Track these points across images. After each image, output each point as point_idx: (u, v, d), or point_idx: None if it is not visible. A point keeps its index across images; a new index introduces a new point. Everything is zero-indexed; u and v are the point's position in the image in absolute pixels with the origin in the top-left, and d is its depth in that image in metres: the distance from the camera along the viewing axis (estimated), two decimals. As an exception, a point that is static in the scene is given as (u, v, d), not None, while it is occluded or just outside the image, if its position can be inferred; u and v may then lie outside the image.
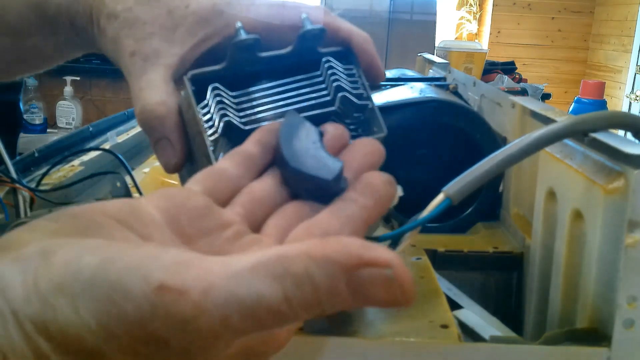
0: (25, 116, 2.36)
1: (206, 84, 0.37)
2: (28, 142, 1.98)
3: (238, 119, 0.37)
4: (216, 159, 0.36)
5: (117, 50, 0.41)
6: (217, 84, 0.38)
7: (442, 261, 0.62)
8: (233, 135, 0.37)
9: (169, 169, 0.40)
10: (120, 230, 0.24)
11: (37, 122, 2.45)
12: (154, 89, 0.39)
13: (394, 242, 0.38)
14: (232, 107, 0.38)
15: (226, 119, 0.36)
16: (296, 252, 0.20)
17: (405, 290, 0.20)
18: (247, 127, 0.37)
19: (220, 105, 0.37)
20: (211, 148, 0.36)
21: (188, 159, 0.40)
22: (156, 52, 0.40)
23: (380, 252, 0.20)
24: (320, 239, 0.21)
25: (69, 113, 2.55)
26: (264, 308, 0.20)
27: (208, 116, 0.37)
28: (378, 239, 0.39)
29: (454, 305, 0.55)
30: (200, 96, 0.37)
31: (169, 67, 0.40)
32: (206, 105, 0.37)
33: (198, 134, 0.37)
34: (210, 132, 0.36)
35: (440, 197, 0.38)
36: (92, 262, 0.21)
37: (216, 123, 0.36)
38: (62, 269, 0.21)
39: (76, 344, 0.20)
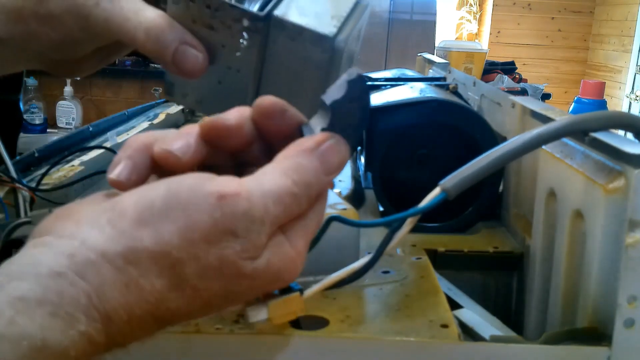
0: (25, 116, 2.36)
1: None
2: (28, 142, 1.98)
3: None
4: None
5: (76, 16, 0.39)
6: None
7: (442, 261, 0.62)
8: None
9: (198, 69, 0.40)
10: None
11: (37, 122, 2.45)
12: (141, 10, 0.39)
13: (393, 229, 0.39)
14: None
15: None
16: (286, 153, 0.30)
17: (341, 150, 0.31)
18: None
19: None
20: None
21: None
22: None
23: (321, 135, 0.31)
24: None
25: (69, 113, 2.55)
26: (283, 191, 0.28)
27: None
28: (379, 222, 0.40)
29: (454, 305, 0.55)
30: None
31: None
32: None
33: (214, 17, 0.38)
34: None
35: (437, 191, 0.38)
36: (160, 192, 0.27)
37: None
38: (133, 207, 0.27)
39: (161, 262, 0.26)
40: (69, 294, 0.24)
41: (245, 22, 0.39)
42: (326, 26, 0.39)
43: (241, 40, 0.39)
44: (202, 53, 0.40)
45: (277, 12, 0.39)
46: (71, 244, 0.26)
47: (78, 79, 2.53)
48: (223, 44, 0.40)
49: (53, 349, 0.23)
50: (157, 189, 0.27)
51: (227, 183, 0.28)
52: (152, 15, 0.39)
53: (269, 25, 0.39)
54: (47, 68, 0.45)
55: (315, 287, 0.40)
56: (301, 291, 0.39)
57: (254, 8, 0.40)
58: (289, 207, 0.29)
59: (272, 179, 0.29)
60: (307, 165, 0.30)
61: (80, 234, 0.26)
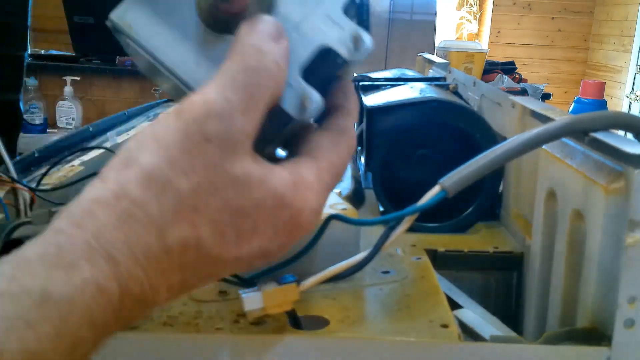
0: (25, 116, 2.35)
1: None
2: (28, 142, 1.98)
3: None
4: None
5: None
6: None
7: (442, 261, 0.62)
8: None
9: None
10: None
11: (37, 122, 2.45)
12: None
13: (392, 226, 0.39)
14: None
15: None
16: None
17: None
18: None
19: None
20: None
21: None
22: None
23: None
24: None
25: (69, 113, 2.54)
26: (238, 69, 0.28)
27: None
28: (379, 221, 0.40)
29: (454, 305, 0.55)
30: None
31: None
32: None
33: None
34: None
35: (436, 189, 0.39)
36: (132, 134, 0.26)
37: None
38: (117, 157, 0.27)
39: (150, 188, 0.26)
40: (68, 244, 0.24)
41: None
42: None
43: None
44: None
45: None
46: (67, 205, 0.26)
47: (78, 78, 2.53)
48: None
49: (56, 299, 0.23)
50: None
51: (184, 100, 0.27)
52: None
53: None
54: None
55: (312, 280, 0.40)
56: (297, 282, 0.40)
57: None
58: (251, 84, 0.27)
59: (226, 64, 0.28)
60: (251, 34, 0.28)
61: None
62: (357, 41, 0.34)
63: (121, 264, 0.24)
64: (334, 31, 0.34)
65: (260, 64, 0.28)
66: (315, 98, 0.31)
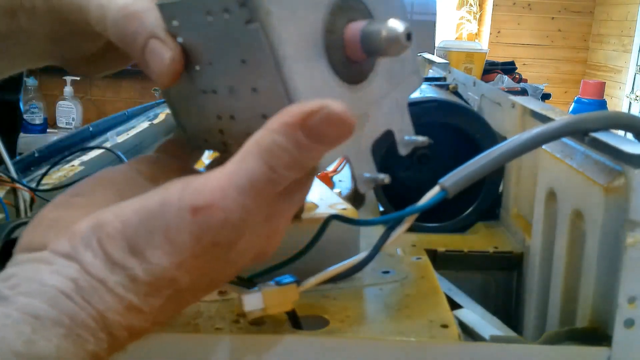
0: (25, 116, 2.35)
1: None
2: (28, 142, 1.99)
3: None
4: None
5: None
6: None
7: (442, 261, 0.62)
8: None
9: (168, 73, 0.32)
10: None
11: (37, 122, 2.45)
12: None
13: (391, 227, 0.39)
14: None
15: None
16: (260, 134, 0.27)
17: (344, 118, 0.26)
18: None
19: None
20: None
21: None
22: None
23: (313, 102, 0.26)
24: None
25: (69, 113, 2.55)
26: (261, 182, 0.26)
27: None
28: (378, 221, 0.40)
29: (454, 305, 0.55)
30: None
31: None
32: None
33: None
34: None
35: (436, 189, 0.39)
36: (141, 215, 0.27)
37: None
38: (120, 233, 0.27)
39: (157, 285, 0.27)
40: (80, 317, 0.26)
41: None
42: None
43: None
44: (175, 51, 0.32)
45: None
46: (72, 267, 0.26)
47: (78, 78, 2.53)
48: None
49: None
50: (138, 210, 0.27)
51: (201, 189, 0.26)
52: (124, 1, 0.32)
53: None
54: (61, 65, 0.42)
55: (312, 280, 0.40)
56: (297, 282, 0.40)
57: None
58: (269, 194, 0.28)
59: (246, 169, 0.26)
60: (286, 145, 0.26)
61: (77, 255, 0.27)
62: (410, 138, 0.35)
63: (118, 339, 0.27)
64: (398, 120, 0.34)
65: (287, 179, 0.27)
66: (383, 176, 0.32)
